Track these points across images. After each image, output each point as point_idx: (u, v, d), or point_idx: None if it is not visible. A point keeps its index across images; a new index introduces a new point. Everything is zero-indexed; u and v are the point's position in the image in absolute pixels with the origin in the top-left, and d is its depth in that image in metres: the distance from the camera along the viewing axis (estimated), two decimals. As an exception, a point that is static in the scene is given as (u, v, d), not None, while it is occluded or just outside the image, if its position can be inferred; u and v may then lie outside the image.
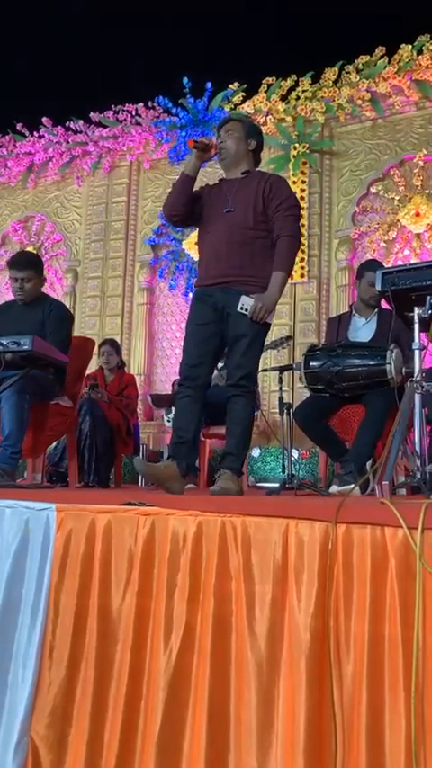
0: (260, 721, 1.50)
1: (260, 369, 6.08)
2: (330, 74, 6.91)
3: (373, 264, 3.88)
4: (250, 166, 3.04)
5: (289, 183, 3.04)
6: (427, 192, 6.56)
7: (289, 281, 7.20)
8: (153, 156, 7.86)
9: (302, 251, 6.93)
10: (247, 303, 2.78)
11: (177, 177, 3.06)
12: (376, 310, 3.77)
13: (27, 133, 8.28)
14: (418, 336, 2.51)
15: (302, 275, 6.93)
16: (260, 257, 2.87)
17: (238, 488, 2.73)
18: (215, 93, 7.37)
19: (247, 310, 2.77)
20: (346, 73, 6.83)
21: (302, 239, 6.87)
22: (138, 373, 7.32)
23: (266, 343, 3.01)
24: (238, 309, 2.79)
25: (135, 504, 1.86)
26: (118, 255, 8.03)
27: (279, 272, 2.83)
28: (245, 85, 7.28)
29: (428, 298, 2.42)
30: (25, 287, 3.53)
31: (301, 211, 6.91)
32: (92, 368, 4.89)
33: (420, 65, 6.49)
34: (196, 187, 3.07)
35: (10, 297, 3.73)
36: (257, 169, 3.10)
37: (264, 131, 7.00)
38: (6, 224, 8.67)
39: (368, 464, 3.30)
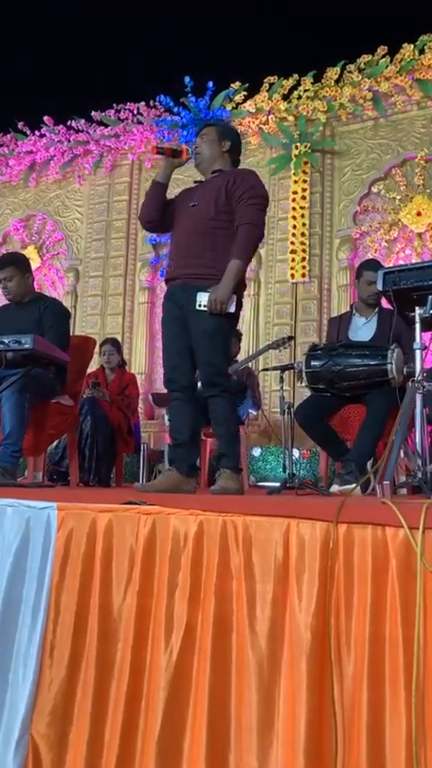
0: (261, 721, 1.50)
1: (261, 368, 6.12)
2: (332, 73, 6.91)
3: (371, 264, 3.90)
4: (225, 167, 3.02)
5: (258, 176, 2.98)
6: (429, 191, 6.56)
7: (290, 280, 7.26)
8: (154, 155, 7.83)
9: (304, 250, 6.94)
10: (202, 299, 2.74)
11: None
12: (377, 310, 3.77)
13: (28, 132, 8.29)
14: (419, 336, 2.51)
15: (303, 275, 6.94)
16: (221, 248, 2.81)
17: (238, 486, 2.73)
18: (217, 93, 7.37)
19: (204, 306, 2.73)
20: (348, 72, 6.82)
21: (304, 239, 6.92)
22: (139, 372, 7.32)
23: (268, 342, 3.00)
24: (196, 307, 2.76)
25: (136, 504, 1.86)
26: (119, 254, 8.03)
27: (234, 260, 2.76)
28: (246, 84, 7.28)
29: (430, 297, 2.42)
30: (8, 286, 3.55)
31: (307, 211, 6.93)
32: (92, 367, 4.89)
33: (422, 64, 6.49)
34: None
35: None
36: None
37: (265, 131, 7.12)
38: (8, 223, 8.67)
39: (369, 464, 3.30)
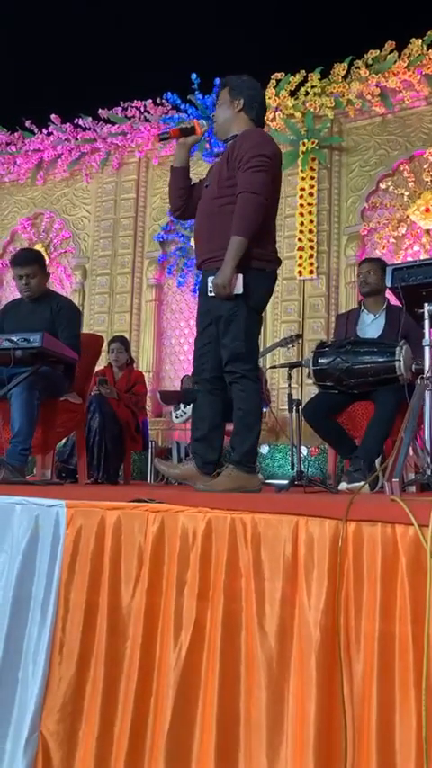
0: (270, 719, 1.50)
1: (269, 366, 6.09)
2: (340, 69, 6.87)
3: (365, 259, 4.04)
4: (241, 129, 2.69)
5: (263, 134, 2.66)
6: (437, 187, 6.52)
7: (298, 277, 7.21)
8: (162, 153, 7.85)
9: (311, 247, 6.92)
10: (211, 284, 2.59)
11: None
12: (385, 306, 3.76)
13: (36, 130, 8.29)
14: (428, 333, 2.51)
15: (311, 271, 6.92)
16: (228, 226, 2.55)
17: (232, 486, 2.52)
18: (224, 90, 7.35)
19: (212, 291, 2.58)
20: (356, 68, 6.79)
21: (312, 235, 6.89)
22: (146, 370, 7.32)
23: (276, 340, 2.93)
24: (208, 294, 2.61)
25: (144, 501, 1.86)
26: (126, 252, 8.03)
27: (233, 236, 2.51)
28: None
29: (439, 294, 2.42)
30: (30, 283, 3.55)
31: (314, 207, 6.90)
32: (100, 365, 4.90)
33: (430, 59, 6.45)
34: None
35: (18, 294, 3.75)
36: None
37: (273, 127, 7.08)
38: (15, 221, 8.69)
39: (378, 461, 3.29)
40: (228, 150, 2.67)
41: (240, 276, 2.54)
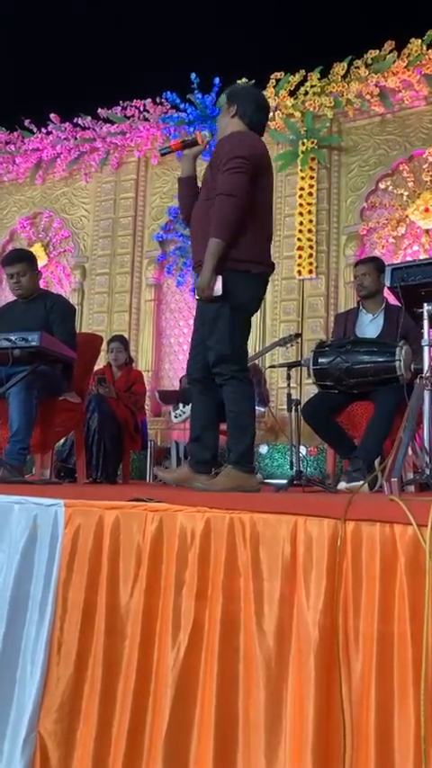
0: (268, 719, 1.49)
1: (268, 365, 6.08)
2: (339, 69, 6.87)
3: (361, 261, 4.04)
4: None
5: (242, 135, 2.66)
6: (437, 187, 6.51)
7: (297, 276, 7.20)
8: (162, 157, 7.83)
9: (311, 247, 6.91)
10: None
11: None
12: (383, 306, 3.76)
13: (35, 129, 8.28)
14: (427, 332, 2.51)
15: (310, 271, 6.91)
16: None
17: (230, 485, 2.54)
18: (223, 89, 7.35)
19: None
20: (355, 68, 6.79)
21: (311, 235, 6.89)
22: (145, 370, 7.32)
23: (275, 339, 2.93)
24: (195, 297, 2.68)
25: (143, 501, 1.86)
26: (126, 252, 8.03)
27: (211, 238, 2.53)
28: (253, 81, 7.25)
29: (438, 293, 2.42)
30: (21, 281, 3.56)
31: (314, 207, 6.89)
32: (99, 364, 4.90)
33: (430, 59, 6.44)
34: None
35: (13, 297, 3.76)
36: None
37: (272, 127, 7.09)
38: (14, 220, 8.68)
39: (377, 461, 3.29)
40: (213, 154, 2.72)
41: (220, 278, 2.56)
